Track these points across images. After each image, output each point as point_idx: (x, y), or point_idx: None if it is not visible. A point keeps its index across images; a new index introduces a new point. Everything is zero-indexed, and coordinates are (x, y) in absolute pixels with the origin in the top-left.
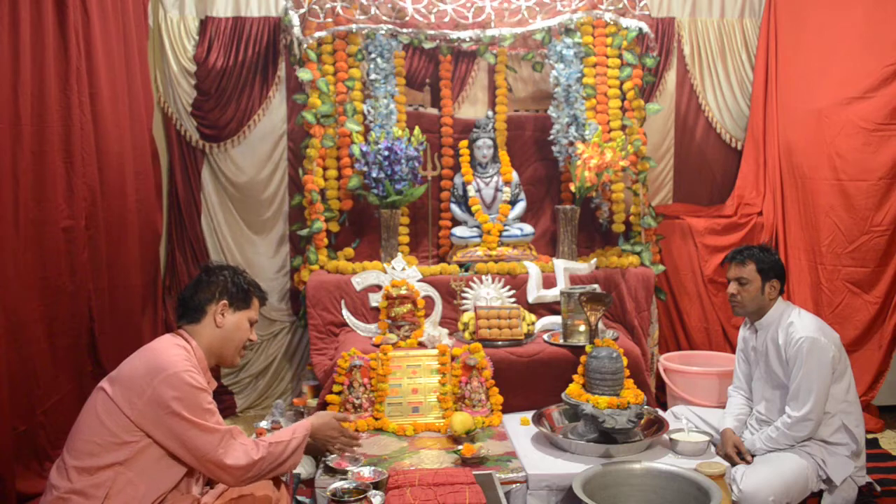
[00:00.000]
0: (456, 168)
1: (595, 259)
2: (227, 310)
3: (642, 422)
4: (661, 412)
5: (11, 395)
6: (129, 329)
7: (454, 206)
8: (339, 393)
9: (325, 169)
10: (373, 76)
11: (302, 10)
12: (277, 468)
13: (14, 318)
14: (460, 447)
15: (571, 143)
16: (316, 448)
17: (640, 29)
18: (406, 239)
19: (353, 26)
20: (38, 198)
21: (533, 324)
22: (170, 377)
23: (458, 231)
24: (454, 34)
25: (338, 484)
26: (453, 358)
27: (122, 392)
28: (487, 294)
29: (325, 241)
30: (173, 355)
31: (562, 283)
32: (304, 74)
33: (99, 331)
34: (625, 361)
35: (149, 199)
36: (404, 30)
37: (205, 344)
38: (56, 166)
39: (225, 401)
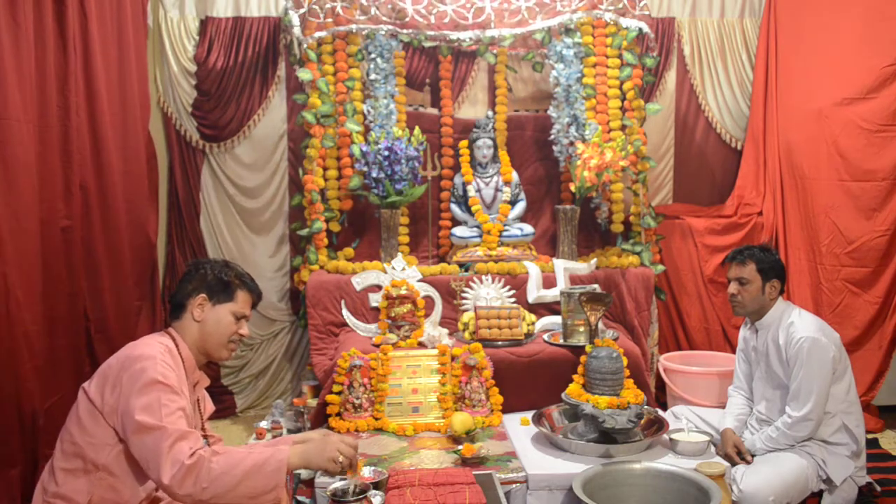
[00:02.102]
0: (456, 168)
1: (595, 259)
2: (206, 303)
3: (642, 422)
4: (661, 412)
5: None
6: (125, 329)
7: (454, 206)
8: (339, 393)
9: (325, 169)
10: (373, 76)
11: (302, 10)
12: (227, 489)
13: (29, 317)
14: (460, 447)
15: (572, 143)
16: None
17: (640, 29)
18: (406, 239)
19: (353, 26)
20: (41, 198)
21: (533, 324)
22: (137, 371)
23: (458, 231)
24: (454, 35)
25: (338, 484)
26: (453, 358)
27: (98, 388)
28: (487, 294)
29: (325, 241)
30: (148, 349)
31: (562, 283)
32: (304, 74)
33: (95, 330)
34: (625, 361)
35: (141, 200)
36: (404, 30)
37: (189, 340)
38: (55, 166)
39: (225, 401)
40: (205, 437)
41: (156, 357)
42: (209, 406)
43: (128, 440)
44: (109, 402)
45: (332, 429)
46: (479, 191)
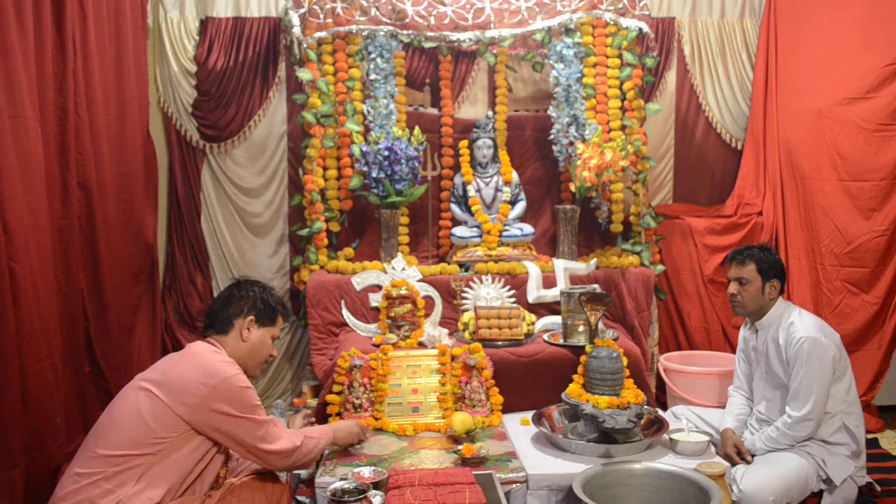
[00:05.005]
0: (456, 168)
1: (595, 259)
2: (253, 325)
3: (642, 422)
4: (661, 412)
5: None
6: (123, 329)
7: (454, 206)
8: (339, 393)
9: (325, 169)
10: (373, 76)
11: (302, 11)
12: (306, 461)
13: (34, 318)
14: (460, 447)
15: (571, 143)
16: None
17: (640, 29)
18: (406, 239)
19: (353, 27)
20: (42, 198)
21: (533, 324)
22: (222, 383)
23: (458, 231)
24: (454, 35)
25: (338, 484)
26: (453, 358)
27: (176, 395)
28: (487, 294)
29: (325, 241)
30: (219, 361)
31: (562, 283)
32: (304, 74)
33: (95, 331)
34: (625, 361)
35: (138, 200)
36: (404, 31)
37: (232, 355)
38: (52, 166)
39: None
40: None
41: (230, 367)
42: None
43: (227, 435)
44: (193, 403)
45: None
46: (479, 191)
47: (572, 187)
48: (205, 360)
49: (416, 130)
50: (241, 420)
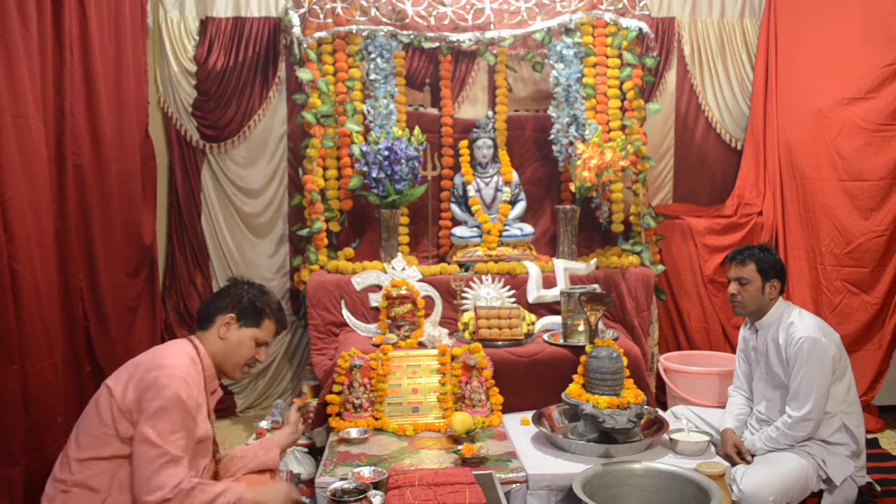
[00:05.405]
0: (456, 168)
1: (595, 259)
2: (233, 323)
3: (642, 422)
4: (661, 412)
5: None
6: (123, 329)
7: (454, 206)
8: (339, 393)
9: (325, 169)
10: (373, 76)
11: (302, 11)
12: None
13: (35, 318)
14: (460, 447)
15: (571, 143)
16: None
17: (640, 29)
18: (406, 239)
19: (353, 27)
20: (45, 197)
21: (533, 324)
22: (165, 376)
23: (458, 231)
24: (454, 36)
25: (338, 484)
26: (453, 358)
27: (122, 385)
28: (487, 294)
29: (325, 241)
30: (177, 359)
31: (562, 283)
32: (303, 74)
33: (95, 331)
34: (625, 361)
35: (136, 200)
36: (404, 31)
37: (210, 352)
38: (50, 165)
39: (225, 401)
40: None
41: (186, 369)
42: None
43: (134, 436)
44: (129, 396)
45: (331, 429)
46: (479, 191)
47: (572, 187)
48: (163, 353)
49: (416, 130)
50: (146, 425)
